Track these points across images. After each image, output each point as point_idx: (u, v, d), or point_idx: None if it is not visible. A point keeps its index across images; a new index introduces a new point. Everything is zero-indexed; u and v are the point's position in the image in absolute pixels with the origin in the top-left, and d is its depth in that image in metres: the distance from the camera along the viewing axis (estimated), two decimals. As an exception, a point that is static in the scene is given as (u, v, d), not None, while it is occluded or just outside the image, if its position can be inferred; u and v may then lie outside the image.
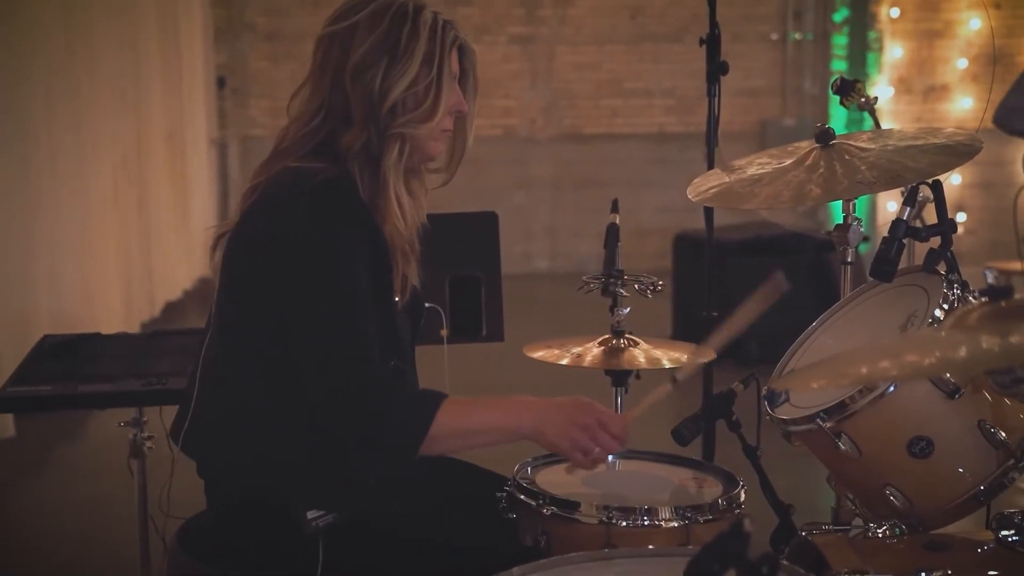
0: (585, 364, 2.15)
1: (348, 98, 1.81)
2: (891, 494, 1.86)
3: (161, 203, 6.33)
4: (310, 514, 1.77)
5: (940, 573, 1.63)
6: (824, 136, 2.27)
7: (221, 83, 7.98)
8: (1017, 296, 1.39)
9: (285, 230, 1.75)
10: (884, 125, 2.56)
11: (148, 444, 2.50)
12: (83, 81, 4.99)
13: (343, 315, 1.73)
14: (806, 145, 2.33)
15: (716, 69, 2.76)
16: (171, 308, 6.50)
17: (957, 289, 1.94)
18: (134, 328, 5.47)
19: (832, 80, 2.51)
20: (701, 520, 1.83)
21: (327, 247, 1.74)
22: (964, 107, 8.22)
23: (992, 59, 8.03)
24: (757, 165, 2.36)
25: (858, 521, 2.06)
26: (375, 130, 1.80)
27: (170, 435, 1.92)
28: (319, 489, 1.79)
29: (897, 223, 2.04)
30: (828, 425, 1.88)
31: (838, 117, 7.99)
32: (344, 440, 1.75)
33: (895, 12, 8.17)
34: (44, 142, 4.51)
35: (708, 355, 2.10)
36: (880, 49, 8.20)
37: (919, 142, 2.21)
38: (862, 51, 8.22)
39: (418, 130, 1.82)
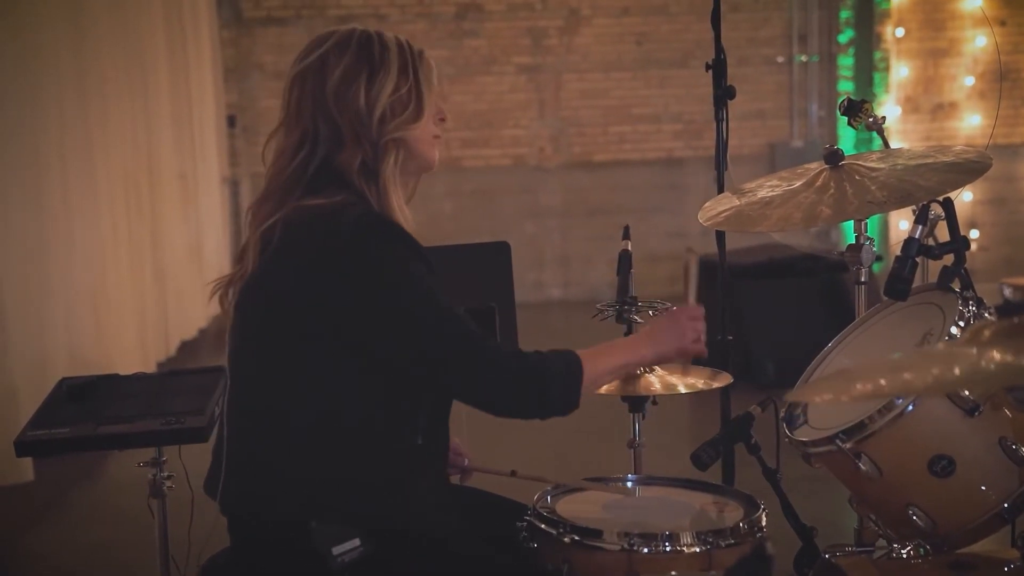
0: (602, 391, 2.15)
1: (335, 121, 1.84)
2: (914, 514, 1.85)
3: (174, 241, 6.37)
4: (335, 549, 1.76)
5: (966, 593, 1.62)
6: (833, 157, 2.28)
7: (231, 122, 8.04)
8: (1033, 311, 1.39)
9: (360, 263, 1.76)
10: (893, 144, 2.56)
11: (168, 484, 2.50)
12: (94, 122, 5.03)
13: (452, 314, 1.79)
14: (816, 166, 2.34)
15: (723, 94, 2.77)
16: (187, 347, 6.52)
17: (972, 306, 1.94)
18: (150, 367, 5.48)
19: (840, 101, 2.52)
20: (723, 545, 1.82)
21: (400, 270, 1.78)
22: (973, 124, 8.23)
23: (999, 76, 8.03)
24: (767, 188, 2.37)
25: (882, 542, 2.04)
26: (369, 143, 1.85)
27: (205, 490, 1.92)
28: (353, 514, 1.79)
29: (910, 241, 2.04)
30: (848, 446, 1.87)
31: (846, 138, 8.00)
32: (510, 414, 1.84)
33: (900, 32, 8.19)
34: (57, 183, 4.55)
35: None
36: (886, 69, 8.22)
37: (928, 160, 2.21)
38: (868, 71, 8.24)
39: (410, 132, 1.87)
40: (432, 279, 1.82)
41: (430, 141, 1.93)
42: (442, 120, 1.96)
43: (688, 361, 2.10)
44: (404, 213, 1.87)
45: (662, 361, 2.02)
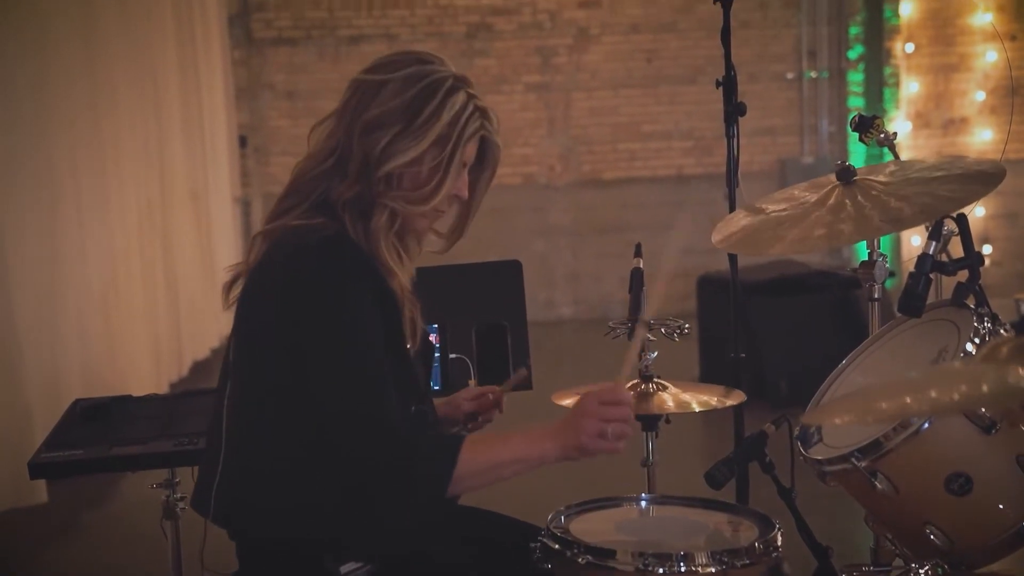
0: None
1: (351, 149, 1.80)
2: (931, 533, 1.84)
3: (187, 261, 6.39)
4: (343, 568, 1.76)
5: (986, 612, 1.61)
6: (845, 173, 2.27)
7: (243, 142, 8.08)
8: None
9: (292, 287, 1.75)
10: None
11: (181, 505, 2.50)
12: (107, 142, 5.06)
13: (357, 366, 1.73)
14: (826, 182, 2.33)
15: (733, 110, 2.77)
16: (199, 367, 6.52)
17: (987, 322, 1.93)
18: (163, 388, 5.49)
19: (850, 117, 2.51)
20: (738, 565, 1.80)
21: (333, 297, 1.74)
22: (984, 139, 8.21)
23: (1010, 91, 8.02)
24: (780, 203, 2.36)
25: (899, 561, 2.03)
26: (365, 191, 1.79)
27: (192, 504, 1.90)
28: (351, 539, 1.79)
29: (923, 258, 2.03)
30: (863, 464, 1.86)
31: (857, 154, 7.99)
32: (372, 488, 1.74)
33: (910, 47, 8.19)
34: (70, 204, 4.57)
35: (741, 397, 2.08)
36: (896, 84, 8.21)
37: (940, 173, 2.20)
38: (878, 87, 8.23)
39: (409, 210, 1.81)
40: (369, 315, 1.74)
41: (429, 215, 1.85)
42: (459, 199, 1.86)
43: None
44: (397, 257, 1.81)
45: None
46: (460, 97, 1.79)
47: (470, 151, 1.83)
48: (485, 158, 1.89)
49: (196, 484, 1.90)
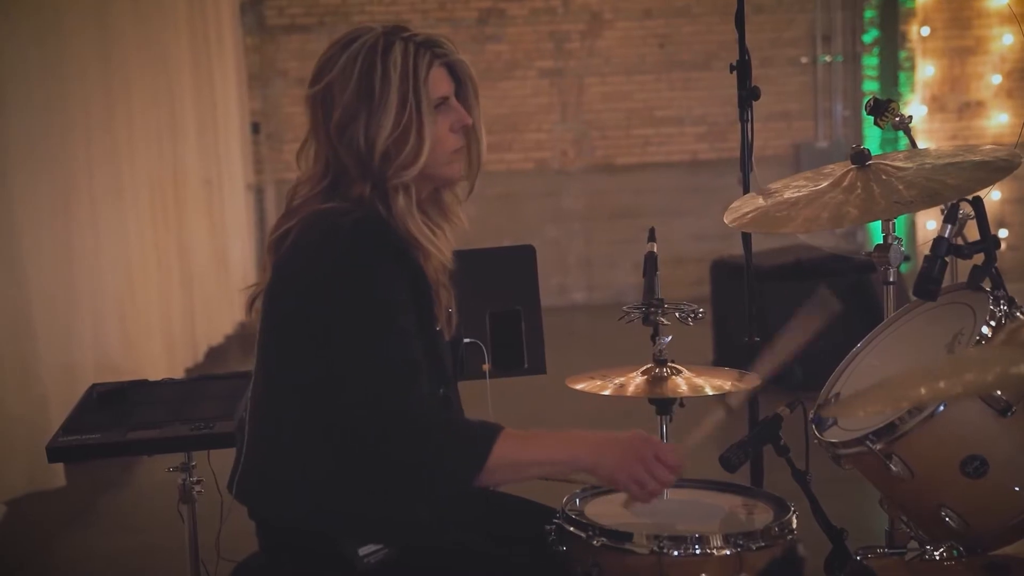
0: (628, 394, 2.15)
1: (341, 158, 1.82)
2: (946, 515, 1.84)
3: (201, 248, 6.41)
4: (362, 551, 1.77)
5: (1001, 594, 1.61)
6: (860, 157, 2.26)
7: (256, 129, 8.09)
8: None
9: (324, 269, 1.76)
10: (919, 144, 2.54)
11: (197, 489, 2.52)
12: (121, 129, 5.08)
13: (389, 346, 1.73)
14: (841, 166, 2.32)
15: (748, 95, 2.77)
16: (214, 353, 6.55)
17: (1004, 305, 1.92)
18: (178, 373, 5.52)
19: (865, 101, 2.50)
20: (753, 547, 1.81)
21: (366, 280, 1.74)
22: (1000, 123, 8.15)
23: (1026, 73, 7.97)
24: (793, 188, 2.36)
25: (913, 544, 2.02)
26: (374, 182, 1.80)
27: (227, 486, 1.93)
28: (372, 523, 1.79)
29: (939, 241, 2.03)
30: (878, 447, 1.86)
31: (872, 138, 7.95)
32: (397, 477, 1.74)
33: (925, 30, 8.13)
34: (84, 191, 4.58)
35: (755, 381, 2.09)
36: (912, 68, 8.16)
37: (957, 159, 2.19)
38: (893, 71, 8.18)
39: (408, 175, 1.80)
40: (402, 296, 1.75)
41: (447, 160, 1.86)
42: (464, 126, 1.87)
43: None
44: (430, 237, 1.82)
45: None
46: (397, 49, 1.80)
47: (435, 86, 1.83)
48: (458, 77, 1.88)
49: (232, 469, 1.92)
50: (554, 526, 1.92)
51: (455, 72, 1.88)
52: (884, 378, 1.36)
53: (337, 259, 1.75)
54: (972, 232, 2.11)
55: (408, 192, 1.82)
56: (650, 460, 1.75)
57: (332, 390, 1.74)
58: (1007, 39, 8.10)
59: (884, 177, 2.20)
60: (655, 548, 1.79)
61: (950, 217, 2.06)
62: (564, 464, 1.78)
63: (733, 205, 2.40)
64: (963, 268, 2.16)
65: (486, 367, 2.46)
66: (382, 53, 1.80)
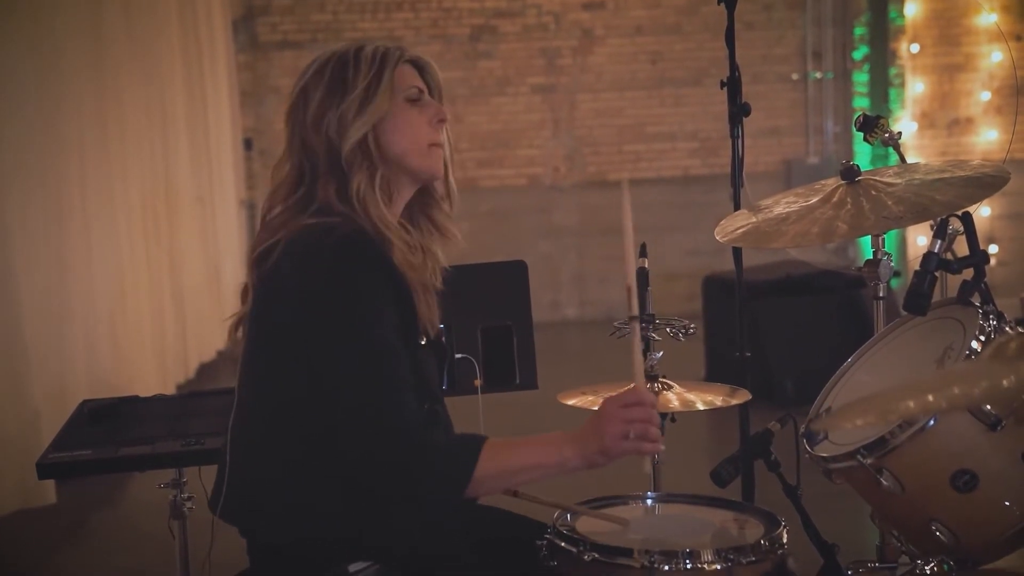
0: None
1: (315, 154, 1.84)
2: (937, 529, 1.84)
3: (193, 264, 6.40)
4: (352, 567, 1.77)
5: (991, 609, 1.61)
6: (850, 173, 2.28)
7: (248, 145, 8.10)
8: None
9: (309, 288, 1.76)
10: (909, 159, 2.56)
11: (188, 505, 2.51)
12: (113, 145, 5.08)
13: (376, 364, 1.73)
14: (832, 182, 2.34)
15: (738, 111, 2.78)
16: (205, 369, 6.54)
17: (993, 320, 1.93)
18: (170, 390, 5.50)
19: (855, 117, 2.52)
20: (744, 562, 1.81)
21: (352, 299, 1.74)
22: (989, 139, 8.20)
23: (1015, 90, 8.01)
24: (784, 204, 2.37)
25: (904, 558, 2.03)
26: (340, 167, 1.82)
27: (209, 506, 1.92)
28: (362, 539, 1.79)
29: (929, 256, 2.04)
30: (869, 461, 1.86)
31: (862, 154, 7.99)
32: (386, 491, 1.75)
33: (915, 48, 8.18)
34: (77, 207, 4.58)
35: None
36: (902, 85, 8.21)
37: (946, 175, 2.21)
38: (884, 87, 8.23)
39: (378, 159, 1.82)
40: (388, 312, 1.75)
41: (423, 151, 1.88)
42: (440, 122, 1.89)
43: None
44: (395, 232, 1.81)
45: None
46: (368, 48, 1.87)
47: (404, 77, 1.87)
48: (427, 81, 1.92)
49: (213, 488, 1.91)
50: (545, 541, 1.91)
51: (424, 76, 1.92)
52: (874, 392, 1.37)
53: (323, 278, 1.75)
54: (962, 247, 2.12)
55: (371, 175, 1.83)
56: (619, 412, 1.72)
57: (318, 410, 1.74)
58: (996, 56, 8.16)
59: (874, 193, 2.21)
60: (646, 563, 1.78)
61: (940, 232, 2.07)
62: (553, 466, 1.76)
63: (724, 221, 2.42)
64: (953, 283, 2.17)
65: (478, 382, 2.46)
66: (355, 51, 1.87)
